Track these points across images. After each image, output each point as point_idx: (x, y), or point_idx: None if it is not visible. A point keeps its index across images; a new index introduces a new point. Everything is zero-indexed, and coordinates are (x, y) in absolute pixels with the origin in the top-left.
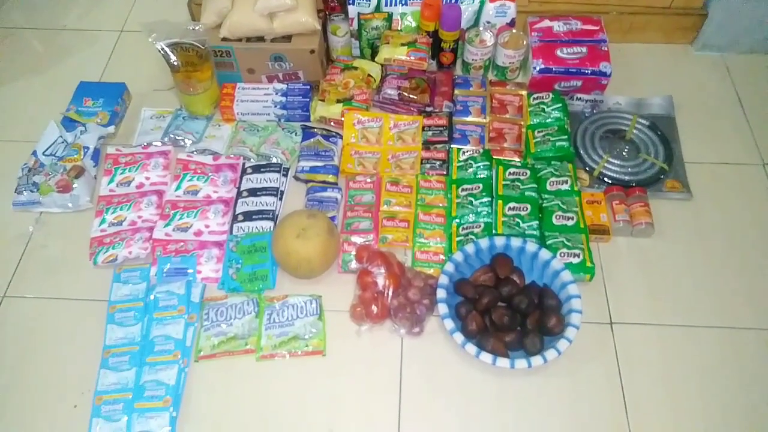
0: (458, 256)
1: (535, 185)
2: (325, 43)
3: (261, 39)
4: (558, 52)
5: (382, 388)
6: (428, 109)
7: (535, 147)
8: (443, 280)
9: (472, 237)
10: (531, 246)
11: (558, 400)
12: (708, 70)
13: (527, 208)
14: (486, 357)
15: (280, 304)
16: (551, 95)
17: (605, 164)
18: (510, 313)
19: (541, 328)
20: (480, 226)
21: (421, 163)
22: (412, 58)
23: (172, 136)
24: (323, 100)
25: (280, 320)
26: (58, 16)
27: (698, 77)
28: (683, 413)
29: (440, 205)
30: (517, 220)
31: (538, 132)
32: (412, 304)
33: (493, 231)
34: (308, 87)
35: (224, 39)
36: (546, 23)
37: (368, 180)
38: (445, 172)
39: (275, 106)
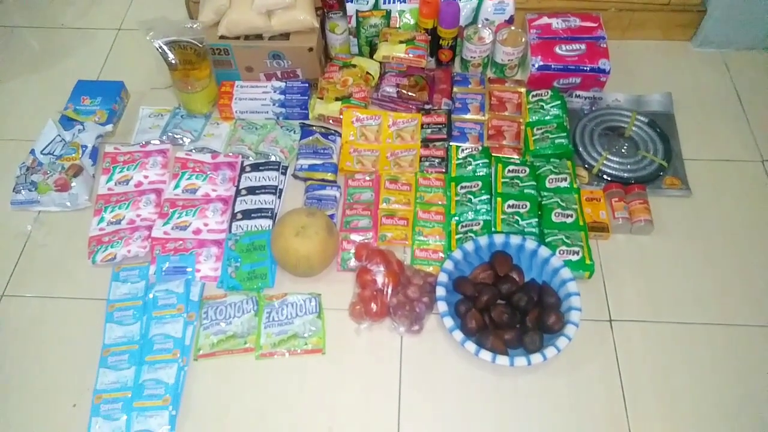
0: (457, 253)
1: (534, 183)
2: (324, 41)
3: (259, 37)
4: (557, 49)
5: (382, 386)
6: (427, 106)
7: (534, 144)
8: (442, 277)
9: (471, 235)
10: (530, 243)
11: (557, 397)
12: (707, 66)
13: (526, 206)
14: (485, 355)
15: (280, 303)
16: (550, 92)
17: (604, 161)
18: (509, 310)
19: (541, 326)
20: (479, 223)
21: (420, 161)
22: (411, 55)
23: (170, 134)
24: (322, 98)
25: (280, 319)
26: (55, 14)
27: (697, 74)
28: (683, 411)
29: (439, 202)
30: (517, 217)
31: (537, 129)
32: (412, 302)
33: (493, 228)
34: (307, 85)
35: (222, 37)
36: (544, 20)
37: (367, 178)
38: (444, 170)
39: (274, 104)
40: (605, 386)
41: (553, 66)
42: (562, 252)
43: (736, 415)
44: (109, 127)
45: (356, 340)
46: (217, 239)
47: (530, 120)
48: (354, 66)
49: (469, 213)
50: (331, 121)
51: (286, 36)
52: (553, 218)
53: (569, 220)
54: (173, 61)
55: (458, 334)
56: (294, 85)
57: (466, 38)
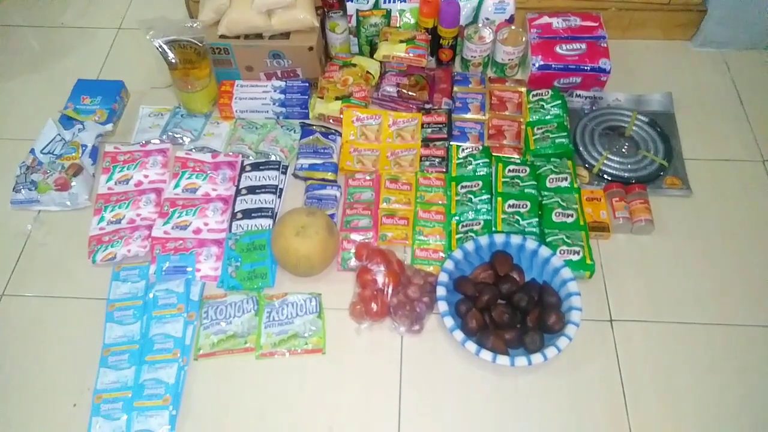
0: (458, 253)
1: (535, 182)
2: (324, 40)
3: (259, 36)
4: (557, 49)
5: (382, 386)
6: (427, 106)
7: (534, 144)
8: (443, 277)
9: (472, 234)
10: (531, 243)
11: (558, 397)
12: (707, 66)
13: (527, 206)
14: (486, 355)
15: (280, 302)
16: (550, 92)
17: (605, 161)
18: (510, 310)
19: (541, 326)
20: (479, 223)
21: (421, 161)
22: (411, 55)
23: (170, 133)
24: (322, 98)
25: (280, 318)
26: (55, 13)
27: (698, 74)
28: (683, 411)
29: (440, 202)
30: (517, 217)
31: (538, 129)
32: (412, 301)
33: (493, 228)
34: (307, 84)
35: (222, 36)
36: (545, 20)
37: (367, 177)
38: (444, 170)
39: (274, 104)
40: (606, 386)
41: (553, 65)
42: (562, 252)
43: (736, 415)
44: (109, 127)
45: (356, 339)
46: (217, 239)
47: (531, 119)
48: (354, 65)
49: (470, 213)
50: (331, 121)
51: (286, 35)
52: (554, 218)
53: (570, 220)
54: (173, 61)
55: (459, 334)
56: (294, 84)
57: (467, 38)
